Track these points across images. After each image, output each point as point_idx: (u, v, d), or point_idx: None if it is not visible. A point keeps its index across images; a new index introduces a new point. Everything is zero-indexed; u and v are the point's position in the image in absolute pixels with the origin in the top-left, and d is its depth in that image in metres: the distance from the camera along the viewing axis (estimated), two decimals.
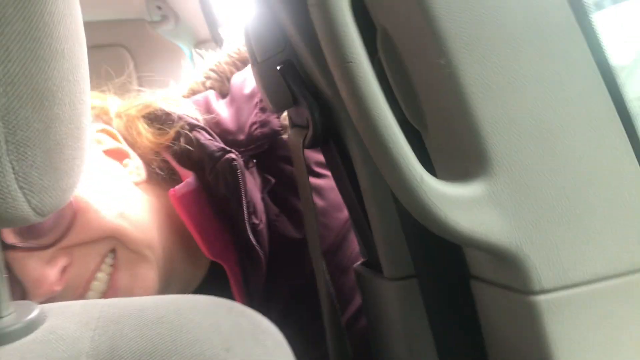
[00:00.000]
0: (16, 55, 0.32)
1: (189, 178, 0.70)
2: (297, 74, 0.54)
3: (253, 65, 0.58)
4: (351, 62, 0.36)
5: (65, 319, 0.41)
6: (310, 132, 0.53)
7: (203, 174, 0.69)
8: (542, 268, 0.39)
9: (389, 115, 0.37)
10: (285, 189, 0.72)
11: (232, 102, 0.77)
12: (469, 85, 0.38)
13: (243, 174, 0.66)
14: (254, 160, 0.72)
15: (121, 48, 1.85)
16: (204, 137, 0.69)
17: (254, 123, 0.72)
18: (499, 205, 0.39)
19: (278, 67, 0.55)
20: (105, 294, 0.62)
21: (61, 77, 0.36)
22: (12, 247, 0.56)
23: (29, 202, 0.34)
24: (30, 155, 0.33)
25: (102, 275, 0.62)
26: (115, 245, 0.63)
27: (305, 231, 0.65)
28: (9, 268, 0.57)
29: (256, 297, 0.70)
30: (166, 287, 0.68)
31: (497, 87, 0.38)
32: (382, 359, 0.61)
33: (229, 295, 0.71)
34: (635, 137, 0.39)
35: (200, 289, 0.75)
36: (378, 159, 0.38)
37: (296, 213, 0.71)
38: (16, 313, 0.40)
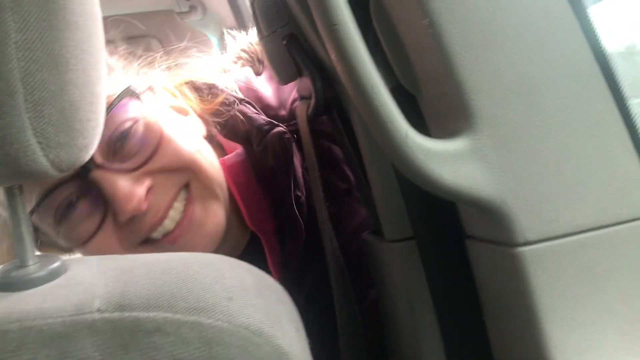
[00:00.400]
0: (33, 25, 0.36)
1: (238, 149, 0.74)
2: (301, 46, 0.57)
3: (260, 39, 0.61)
4: (337, 24, 0.38)
5: (84, 269, 0.45)
6: (312, 102, 0.56)
7: (250, 147, 0.73)
8: (525, 220, 0.40)
9: (374, 74, 0.39)
10: (322, 165, 0.75)
11: (271, 79, 0.80)
12: (451, 44, 0.39)
13: (292, 147, 0.70)
14: (295, 136, 0.74)
15: (153, 39, 1.92)
16: (250, 110, 0.73)
17: (295, 99, 0.75)
18: (482, 159, 0.40)
19: (283, 41, 0.58)
20: (180, 224, 0.66)
21: (75, 46, 0.39)
22: (101, 167, 0.62)
23: (46, 156, 0.37)
24: (46, 113, 0.37)
25: (178, 205, 0.67)
26: (190, 179, 0.67)
27: (314, 200, 0.68)
28: (96, 187, 0.62)
29: (291, 269, 0.73)
30: (224, 238, 0.71)
31: (480, 45, 0.40)
32: (387, 324, 0.63)
33: (265, 268, 0.74)
34: (617, 90, 0.40)
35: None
36: (366, 116, 0.40)
37: (331, 188, 0.73)
38: (40, 263, 0.44)
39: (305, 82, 0.59)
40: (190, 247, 0.67)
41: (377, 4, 0.46)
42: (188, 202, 0.67)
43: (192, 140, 0.70)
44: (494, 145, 0.40)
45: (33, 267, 0.43)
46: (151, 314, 0.40)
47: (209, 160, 0.70)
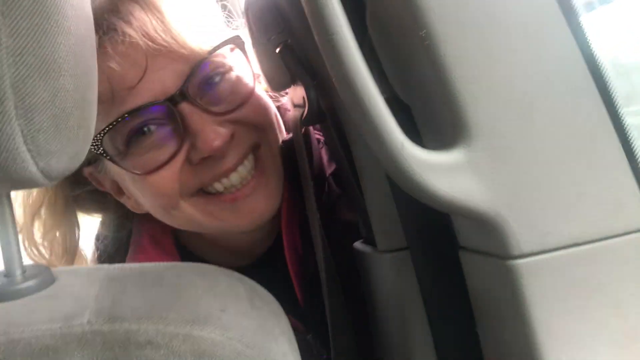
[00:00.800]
0: (25, 30, 0.35)
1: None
2: (295, 54, 0.56)
3: (253, 46, 0.61)
4: (334, 34, 0.38)
5: (73, 279, 0.44)
6: (306, 110, 0.56)
7: None
8: (520, 233, 0.40)
9: (371, 84, 0.39)
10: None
11: None
12: (447, 56, 0.39)
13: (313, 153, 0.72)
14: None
15: None
16: (291, 105, 0.74)
17: None
18: (478, 171, 0.40)
19: (277, 49, 0.58)
20: (248, 183, 0.68)
21: (67, 52, 0.39)
22: (191, 101, 0.63)
23: (36, 164, 0.37)
24: (37, 120, 0.36)
25: (247, 163, 0.69)
26: (262, 141, 0.70)
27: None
28: (182, 118, 0.63)
29: (309, 275, 0.73)
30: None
31: (475, 57, 0.40)
32: (379, 334, 0.63)
33: (286, 274, 0.74)
34: (610, 102, 0.40)
35: (259, 263, 0.80)
36: (362, 128, 0.40)
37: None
38: (28, 273, 0.43)
39: (299, 90, 0.59)
40: (245, 212, 0.68)
41: (374, 15, 0.45)
42: (257, 163, 0.70)
43: (272, 104, 0.72)
44: (488, 158, 0.40)
45: (20, 277, 0.42)
46: (142, 326, 0.39)
47: (280, 128, 0.73)
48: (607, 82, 0.40)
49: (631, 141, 0.40)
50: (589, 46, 0.40)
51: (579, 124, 0.40)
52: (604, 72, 0.40)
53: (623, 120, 0.41)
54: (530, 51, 0.40)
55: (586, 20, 0.41)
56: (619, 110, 0.41)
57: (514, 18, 0.41)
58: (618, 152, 0.41)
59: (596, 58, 0.40)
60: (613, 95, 0.40)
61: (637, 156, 0.41)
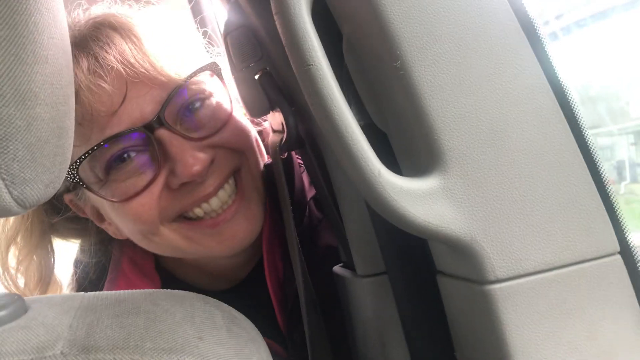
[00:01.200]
0: (1, 59, 0.35)
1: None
2: (274, 82, 0.57)
3: (232, 73, 0.61)
4: (311, 64, 0.39)
5: (46, 308, 0.43)
6: (285, 136, 0.56)
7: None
8: (495, 258, 0.41)
9: (347, 113, 0.39)
10: None
11: None
12: (421, 86, 0.40)
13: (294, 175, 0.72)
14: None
15: None
16: (271, 130, 0.75)
17: None
18: (452, 198, 0.41)
19: (256, 76, 0.58)
20: (229, 208, 0.68)
21: (43, 81, 0.39)
22: (169, 128, 0.63)
23: (10, 193, 0.36)
24: (12, 149, 0.36)
25: (228, 187, 0.69)
26: (242, 165, 0.70)
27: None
28: (160, 145, 0.63)
29: (291, 298, 0.73)
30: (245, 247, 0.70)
31: (448, 87, 0.41)
32: (359, 358, 0.62)
33: (267, 297, 0.74)
34: (577, 130, 0.41)
35: (241, 287, 0.80)
36: (339, 155, 0.40)
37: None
38: (0, 303, 0.42)
39: (278, 116, 0.60)
40: (226, 236, 0.67)
41: (350, 44, 0.47)
42: (238, 187, 0.70)
43: (252, 128, 0.73)
44: (463, 185, 0.41)
45: None
46: (118, 356, 0.39)
47: (261, 152, 0.74)
48: (573, 109, 0.42)
49: (598, 167, 0.42)
50: (556, 75, 0.41)
51: (549, 151, 0.42)
52: (570, 99, 0.42)
53: (590, 146, 0.42)
54: (500, 80, 0.41)
55: (552, 50, 0.43)
56: (586, 137, 0.42)
57: (484, 48, 0.42)
58: (586, 178, 0.42)
59: (562, 86, 0.41)
60: (580, 122, 0.42)
61: (605, 182, 0.42)
